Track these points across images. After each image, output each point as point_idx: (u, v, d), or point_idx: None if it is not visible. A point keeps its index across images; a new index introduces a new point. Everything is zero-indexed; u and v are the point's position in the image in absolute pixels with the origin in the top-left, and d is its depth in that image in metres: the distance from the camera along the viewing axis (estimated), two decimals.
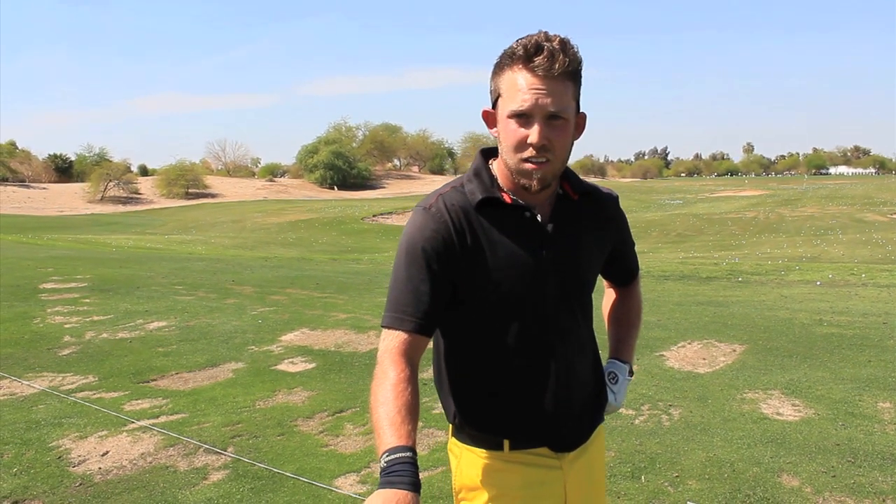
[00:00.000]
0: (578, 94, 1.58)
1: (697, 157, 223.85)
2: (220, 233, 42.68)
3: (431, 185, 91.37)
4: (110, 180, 72.76)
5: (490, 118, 1.65)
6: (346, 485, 3.80)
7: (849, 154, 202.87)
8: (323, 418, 4.89)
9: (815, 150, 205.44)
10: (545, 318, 1.67)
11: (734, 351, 6.68)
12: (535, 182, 1.58)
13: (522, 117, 1.53)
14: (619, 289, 2.04)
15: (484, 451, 1.69)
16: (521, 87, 1.52)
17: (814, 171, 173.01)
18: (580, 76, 1.56)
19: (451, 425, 1.78)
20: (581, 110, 1.61)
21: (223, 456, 4.18)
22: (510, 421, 1.69)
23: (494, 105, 1.62)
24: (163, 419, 4.86)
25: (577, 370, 1.74)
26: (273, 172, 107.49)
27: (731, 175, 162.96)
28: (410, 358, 1.56)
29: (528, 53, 1.51)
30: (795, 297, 10.54)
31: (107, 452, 4.29)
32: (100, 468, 4.06)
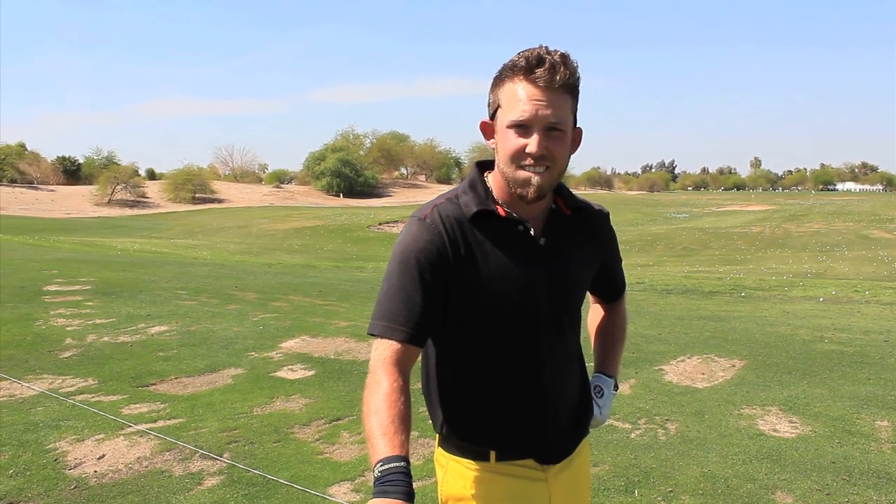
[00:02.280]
0: (576, 109, 1.60)
1: (704, 170, 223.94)
2: (226, 238, 42.82)
3: (438, 194, 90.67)
4: (118, 183, 73.20)
5: (488, 129, 1.67)
6: (340, 493, 3.80)
7: (856, 170, 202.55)
8: (320, 426, 4.90)
9: (822, 165, 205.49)
10: (536, 332, 1.68)
11: (733, 366, 6.67)
12: (531, 190, 1.58)
13: (522, 128, 1.55)
14: (606, 305, 2.06)
15: (470, 461, 1.70)
16: (522, 97, 1.54)
17: (821, 186, 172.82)
18: (578, 91, 1.59)
19: (437, 435, 1.78)
20: (577, 125, 1.63)
21: (218, 462, 4.19)
22: (498, 432, 1.70)
23: (493, 116, 1.63)
24: (160, 423, 4.88)
25: (565, 383, 1.76)
26: (280, 179, 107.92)
27: (738, 189, 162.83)
28: (403, 367, 1.56)
29: (530, 65, 1.53)
30: (798, 313, 10.52)
31: (103, 456, 4.30)
32: (95, 471, 4.07)
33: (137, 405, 5.30)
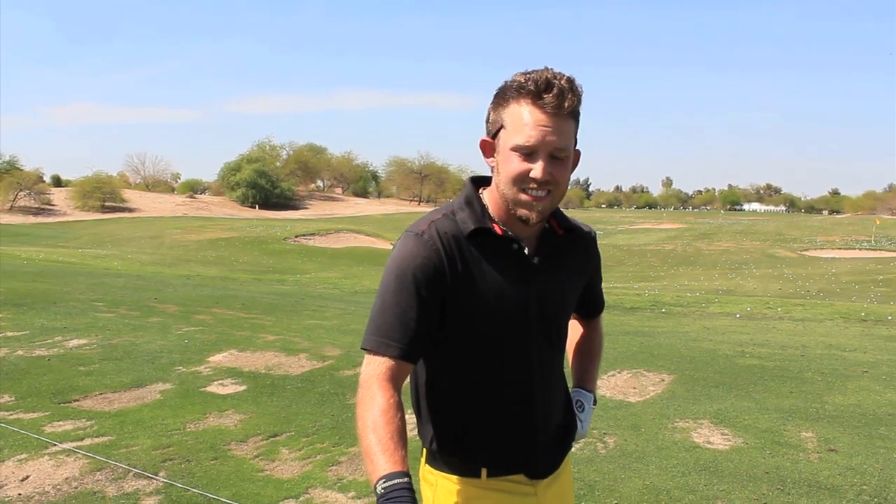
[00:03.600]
0: (577, 131, 1.61)
1: (618, 188, 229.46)
2: (138, 248, 41.41)
3: (355, 207, 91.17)
4: (20, 189, 69.92)
5: (488, 148, 1.65)
6: None
7: (761, 191, 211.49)
8: (257, 442, 4.77)
9: (730, 186, 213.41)
10: (528, 349, 1.69)
11: (663, 380, 6.82)
12: (534, 214, 1.59)
13: (527, 152, 1.55)
14: (585, 321, 2.08)
15: (461, 478, 1.69)
16: (529, 122, 1.53)
17: (729, 206, 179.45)
18: (580, 114, 1.59)
19: (425, 451, 1.76)
20: (576, 146, 1.63)
21: (154, 481, 4.01)
22: (490, 448, 1.70)
23: (495, 135, 1.62)
24: (88, 441, 4.65)
25: (553, 398, 1.78)
26: (193, 189, 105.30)
27: (650, 208, 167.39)
28: (396, 383, 1.56)
29: (538, 89, 1.52)
30: (717, 329, 10.87)
31: (27, 477, 4.07)
32: (20, 494, 3.85)
33: (61, 422, 5.04)
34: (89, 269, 21.11)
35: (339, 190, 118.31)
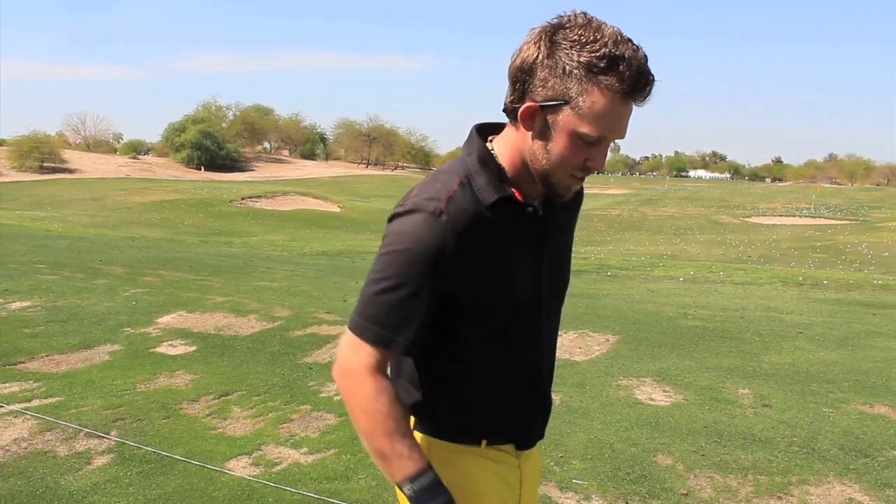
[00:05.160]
0: None
1: None
2: (79, 210, 40.41)
3: (302, 169, 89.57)
4: None
5: (535, 117, 1.43)
6: (239, 467, 3.75)
7: (707, 159, 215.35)
8: (209, 401, 4.79)
9: (676, 153, 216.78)
10: (539, 318, 1.63)
11: (608, 341, 7.01)
12: (568, 195, 1.53)
13: (595, 141, 1.41)
14: None
15: (458, 445, 1.63)
16: (613, 115, 1.38)
17: (675, 173, 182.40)
18: None
19: (412, 418, 1.64)
20: None
21: (106, 440, 4.02)
22: (495, 420, 1.64)
23: (551, 108, 1.40)
24: (36, 403, 4.61)
25: (552, 367, 1.74)
26: (137, 150, 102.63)
27: (598, 173, 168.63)
28: (387, 372, 1.49)
29: (636, 84, 1.35)
30: (661, 292, 11.16)
31: None
32: None
33: (7, 384, 4.98)
34: (28, 231, 20.57)
35: (286, 152, 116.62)
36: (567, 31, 1.36)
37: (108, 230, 26.21)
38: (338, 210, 43.87)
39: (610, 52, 1.32)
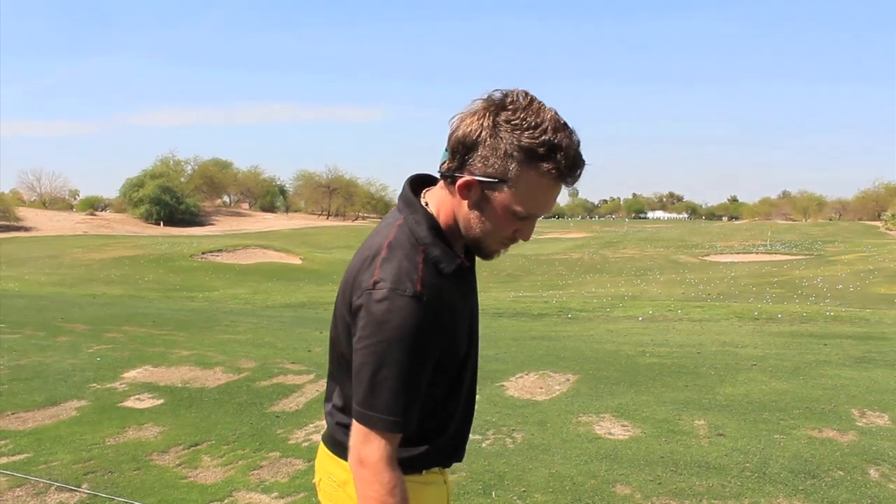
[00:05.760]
0: None
1: None
2: (35, 269, 39.70)
3: (262, 222, 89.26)
4: None
5: (472, 190, 1.54)
6: None
7: (664, 200, 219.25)
8: (178, 452, 4.85)
9: (634, 195, 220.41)
10: (476, 354, 1.79)
11: (568, 380, 7.18)
12: (494, 258, 1.68)
13: (527, 217, 1.56)
14: None
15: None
16: (547, 197, 1.53)
17: (633, 214, 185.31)
18: None
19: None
20: None
21: (77, 493, 4.07)
22: (438, 451, 1.75)
23: (490, 184, 1.52)
24: (4, 460, 4.63)
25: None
26: (94, 206, 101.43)
27: (558, 218, 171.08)
28: (396, 459, 1.56)
29: (570, 170, 1.49)
30: (620, 332, 11.39)
31: None
32: None
33: None
34: None
35: (245, 205, 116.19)
36: (509, 112, 1.46)
37: (67, 288, 25.86)
38: (299, 262, 43.76)
39: (549, 139, 1.44)
